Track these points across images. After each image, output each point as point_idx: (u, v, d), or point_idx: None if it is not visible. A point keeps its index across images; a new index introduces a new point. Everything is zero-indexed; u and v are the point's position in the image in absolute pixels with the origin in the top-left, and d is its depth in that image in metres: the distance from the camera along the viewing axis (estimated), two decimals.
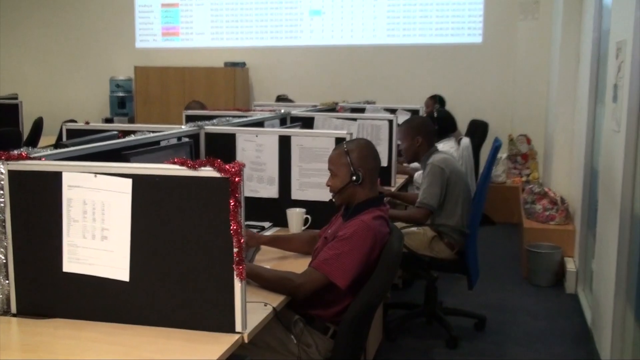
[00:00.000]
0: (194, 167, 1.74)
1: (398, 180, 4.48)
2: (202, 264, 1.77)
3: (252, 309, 1.93)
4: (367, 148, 2.56)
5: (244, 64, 8.58)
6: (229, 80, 8.31)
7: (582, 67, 5.17)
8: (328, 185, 2.59)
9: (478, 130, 6.84)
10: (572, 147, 5.55)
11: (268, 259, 2.66)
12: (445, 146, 4.62)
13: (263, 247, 2.68)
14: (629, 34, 3.17)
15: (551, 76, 6.73)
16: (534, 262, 4.99)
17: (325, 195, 3.05)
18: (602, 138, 3.98)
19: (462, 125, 6.50)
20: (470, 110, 7.47)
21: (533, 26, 7.46)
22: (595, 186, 4.28)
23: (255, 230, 3.05)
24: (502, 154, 7.16)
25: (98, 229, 1.83)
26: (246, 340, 1.78)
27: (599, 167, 4.13)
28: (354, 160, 2.50)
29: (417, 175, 4.68)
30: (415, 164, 4.28)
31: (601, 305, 3.63)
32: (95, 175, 1.82)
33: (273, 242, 2.74)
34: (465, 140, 5.02)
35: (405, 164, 4.67)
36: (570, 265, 4.90)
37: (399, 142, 4.09)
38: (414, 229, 3.82)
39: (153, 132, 2.87)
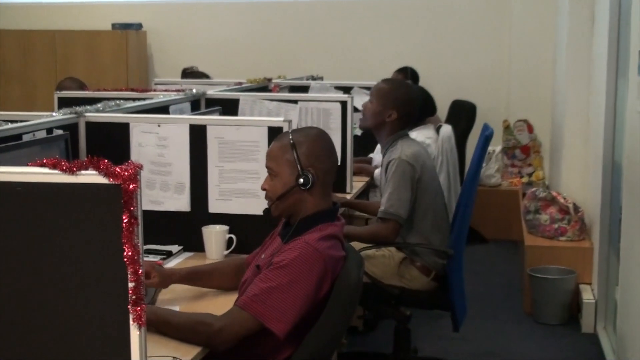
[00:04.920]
0: (71, 171, 1.72)
1: (356, 183, 4.51)
2: (85, 305, 1.75)
3: None
4: (321, 141, 2.58)
5: (139, 25, 8.51)
6: (119, 48, 8.23)
7: (598, 29, 5.31)
8: (264, 189, 2.58)
9: (463, 114, 6.94)
10: (588, 137, 5.70)
11: (177, 297, 2.64)
12: (421, 135, 4.67)
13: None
14: None
15: (558, 42, 6.89)
16: (539, 292, 5.10)
17: (256, 207, 3.06)
18: (626, 123, 4.09)
19: (442, 108, 6.60)
20: (452, 88, 7.58)
21: None
22: (619, 188, 4.40)
23: (159, 258, 3.03)
24: (496, 147, 7.29)
25: None
26: None
27: (622, 162, 4.25)
28: (303, 157, 2.50)
29: (378, 173, 4.71)
30: (377, 160, 4.32)
31: (628, 347, 3.73)
32: None
33: (191, 278, 2.71)
34: (447, 129, 5.10)
35: (358, 127, 4.49)
36: (588, 294, 5.02)
37: (367, 101, 3.94)
38: (377, 250, 3.85)
39: (12, 122, 2.85)
